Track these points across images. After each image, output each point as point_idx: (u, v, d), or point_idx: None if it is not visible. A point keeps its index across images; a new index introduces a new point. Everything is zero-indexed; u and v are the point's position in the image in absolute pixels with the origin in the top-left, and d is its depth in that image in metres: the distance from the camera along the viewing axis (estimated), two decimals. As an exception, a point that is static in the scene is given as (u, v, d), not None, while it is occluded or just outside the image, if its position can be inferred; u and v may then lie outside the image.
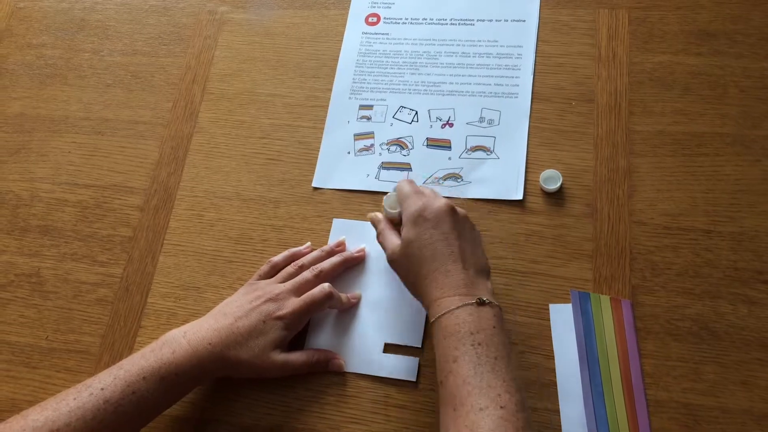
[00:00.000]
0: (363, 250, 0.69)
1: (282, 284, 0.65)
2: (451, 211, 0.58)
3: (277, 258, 0.68)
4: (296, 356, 0.63)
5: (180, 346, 0.59)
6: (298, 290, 0.64)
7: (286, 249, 0.70)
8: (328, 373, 0.64)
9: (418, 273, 0.57)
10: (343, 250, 0.69)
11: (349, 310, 0.67)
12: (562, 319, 0.64)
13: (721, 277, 0.63)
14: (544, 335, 0.63)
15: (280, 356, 0.62)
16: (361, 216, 0.71)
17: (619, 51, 0.75)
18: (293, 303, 0.63)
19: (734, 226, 0.65)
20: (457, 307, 0.53)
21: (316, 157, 0.75)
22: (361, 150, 0.75)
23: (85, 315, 0.71)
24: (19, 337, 0.71)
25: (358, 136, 0.76)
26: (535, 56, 0.77)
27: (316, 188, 0.74)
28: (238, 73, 0.82)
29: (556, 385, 0.61)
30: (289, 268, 0.67)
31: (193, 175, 0.77)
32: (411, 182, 0.62)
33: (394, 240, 0.61)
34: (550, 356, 0.62)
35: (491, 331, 0.52)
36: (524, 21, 0.79)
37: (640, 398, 0.59)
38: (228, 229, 0.73)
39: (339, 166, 0.75)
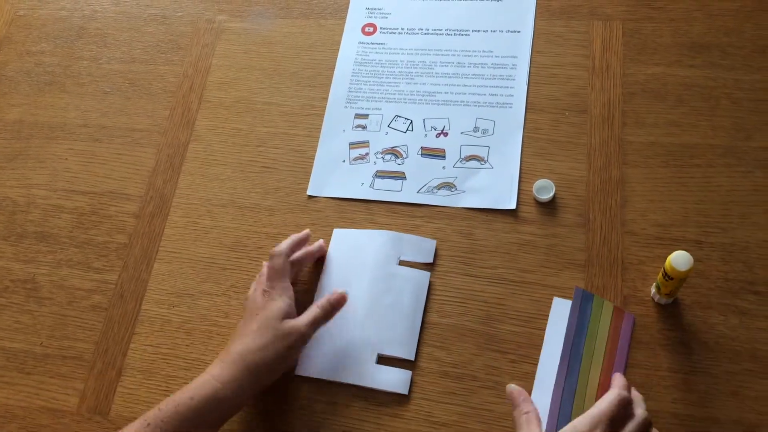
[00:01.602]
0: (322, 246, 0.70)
1: (304, 318, 0.63)
2: None
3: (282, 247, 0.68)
4: (306, 316, 0.63)
5: (214, 388, 0.58)
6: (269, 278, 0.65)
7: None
8: (319, 381, 0.65)
9: None
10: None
11: (341, 322, 0.66)
12: (560, 314, 0.64)
13: (711, 287, 0.64)
14: (535, 344, 0.64)
15: (291, 321, 0.62)
16: (356, 225, 0.72)
17: (613, 62, 0.75)
18: (308, 337, 0.62)
19: (725, 237, 0.66)
20: None
21: (312, 166, 0.76)
22: (356, 159, 0.76)
23: (79, 321, 0.71)
24: (14, 342, 0.71)
25: (353, 145, 0.77)
26: (530, 67, 0.77)
27: (311, 196, 0.74)
28: (235, 81, 0.83)
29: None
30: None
31: (188, 182, 0.77)
32: (621, 400, 0.55)
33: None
34: (542, 365, 0.63)
35: None
36: (519, 32, 0.80)
37: None
38: (223, 236, 0.73)
39: (334, 175, 0.75)
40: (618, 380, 0.58)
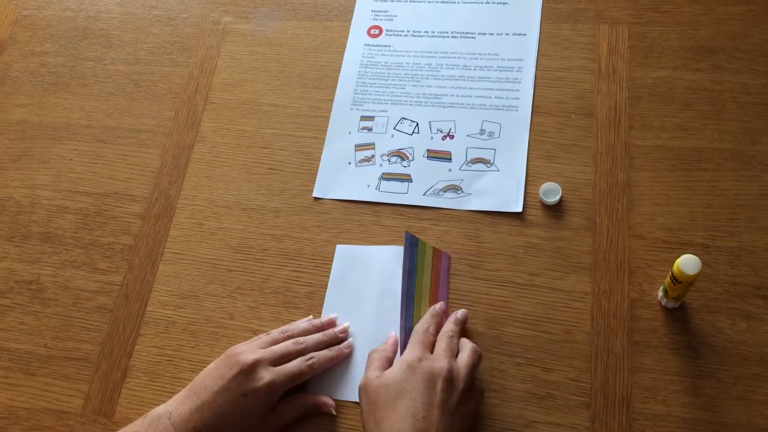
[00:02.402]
0: (351, 346, 0.66)
1: (259, 351, 0.62)
2: (448, 378, 0.56)
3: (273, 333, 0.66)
4: (287, 415, 0.62)
5: (166, 430, 0.58)
6: (277, 360, 0.62)
7: (285, 258, 0.71)
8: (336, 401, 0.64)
9: (375, 416, 0.55)
10: (333, 326, 0.67)
11: (350, 341, 0.66)
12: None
13: (719, 291, 0.64)
14: (542, 347, 0.63)
15: (271, 421, 0.61)
16: (360, 227, 0.72)
17: (619, 66, 0.75)
18: (273, 373, 0.60)
19: (733, 241, 0.65)
20: None
21: (317, 168, 0.76)
22: (361, 161, 0.76)
23: (84, 323, 0.71)
24: (18, 344, 0.71)
25: (359, 147, 0.76)
26: (536, 70, 0.77)
27: (316, 198, 0.74)
28: (240, 83, 0.83)
29: (553, 398, 0.61)
30: (276, 335, 0.64)
31: (194, 183, 0.77)
32: (425, 331, 0.61)
33: (374, 372, 0.59)
34: (548, 368, 0.63)
35: None
36: (525, 35, 0.80)
37: None
38: (228, 238, 0.73)
39: (340, 177, 0.75)
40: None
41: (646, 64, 0.75)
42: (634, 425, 0.59)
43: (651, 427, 0.59)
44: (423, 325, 0.62)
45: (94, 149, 0.81)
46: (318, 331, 0.66)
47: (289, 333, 0.65)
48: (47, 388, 0.68)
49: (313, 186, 0.75)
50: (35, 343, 0.71)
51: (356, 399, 0.63)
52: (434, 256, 0.67)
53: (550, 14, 0.80)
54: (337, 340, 0.66)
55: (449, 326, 0.62)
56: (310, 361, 0.62)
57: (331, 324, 0.67)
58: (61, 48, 0.89)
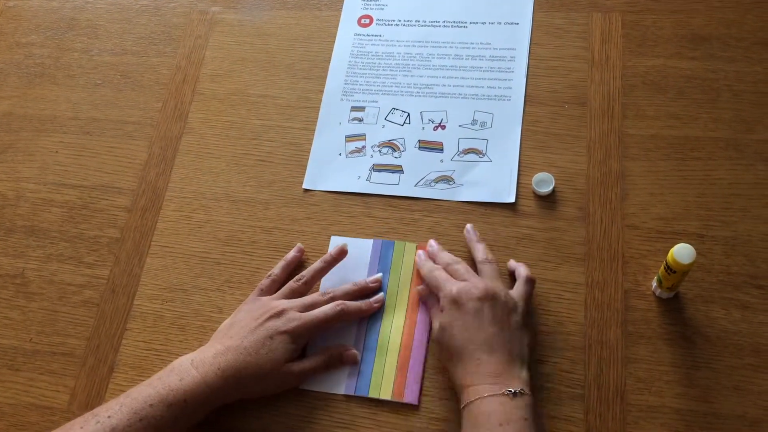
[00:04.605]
0: (381, 299, 0.66)
1: (287, 300, 0.63)
2: (491, 297, 0.58)
3: (276, 270, 0.67)
4: (309, 362, 0.62)
5: (188, 373, 0.58)
6: (305, 308, 0.63)
7: (275, 250, 0.70)
8: (326, 395, 0.62)
9: (451, 358, 0.58)
10: (344, 257, 0.67)
11: (346, 331, 0.65)
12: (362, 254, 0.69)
13: (713, 281, 0.63)
14: (538, 339, 0.63)
15: (294, 366, 0.61)
16: (351, 218, 0.71)
17: (613, 54, 0.75)
18: (300, 318, 0.61)
19: (727, 230, 0.65)
20: (486, 396, 0.53)
21: (307, 159, 0.75)
22: (352, 152, 0.75)
23: (70, 317, 0.70)
24: (3, 339, 0.70)
25: (350, 138, 0.75)
26: (528, 59, 0.76)
27: (306, 190, 0.73)
28: (229, 73, 0.81)
29: (547, 390, 0.60)
30: (292, 284, 0.65)
31: (182, 175, 0.76)
32: (439, 268, 0.63)
33: (435, 321, 0.61)
34: (542, 360, 0.62)
35: (521, 424, 0.52)
36: (517, 24, 0.79)
37: (418, 349, 0.63)
38: (217, 230, 0.72)
39: (330, 168, 0.74)
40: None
41: (640, 52, 0.74)
42: (628, 416, 0.59)
43: (645, 418, 0.58)
44: (430, 265, 0.64)
45: (80, 141, 0.80)
46: (331, 266, 0.67)
47: (305, 280, 0.65)
48: (32, 383, 0.67)
49: (303, 177, 0.74)
50: (20, 338, 0.69)
51: (357, 393, 0.62)
52: (419, 249, 0.66)
53: (542, 2, 0.79)
54: (368, 290, 0.66)
55: (447, 256, 0.64)
56: (339, 307, 0.63)
57: (343, 253, 0.67)
58: (46, 39, 0.88)
